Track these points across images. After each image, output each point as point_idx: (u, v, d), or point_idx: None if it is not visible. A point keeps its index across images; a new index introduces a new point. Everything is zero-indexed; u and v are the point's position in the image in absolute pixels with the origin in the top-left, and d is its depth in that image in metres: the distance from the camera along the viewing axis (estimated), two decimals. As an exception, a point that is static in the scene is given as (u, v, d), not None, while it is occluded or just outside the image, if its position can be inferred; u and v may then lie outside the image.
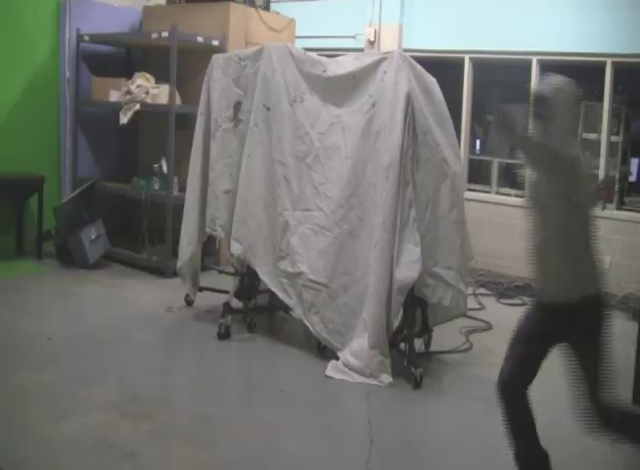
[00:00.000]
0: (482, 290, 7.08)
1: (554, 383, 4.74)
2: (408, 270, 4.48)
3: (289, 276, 4.95)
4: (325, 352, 4.83)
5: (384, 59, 4.69)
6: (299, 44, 6.44)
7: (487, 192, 8.31)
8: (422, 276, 4.56)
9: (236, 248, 5.16)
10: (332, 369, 4.61)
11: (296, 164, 4.96)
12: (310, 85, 4.96)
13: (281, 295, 5.03)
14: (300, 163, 4.94)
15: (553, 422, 4.10)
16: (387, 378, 4.48)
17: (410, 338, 4.63)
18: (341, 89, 4.85)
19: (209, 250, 6.71)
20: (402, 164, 4.49)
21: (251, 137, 5.16)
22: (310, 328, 4.84)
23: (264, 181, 5.10)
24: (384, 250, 4.50)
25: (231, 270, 5.53)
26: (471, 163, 8.34)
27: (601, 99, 7.13)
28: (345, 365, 4.58)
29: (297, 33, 7.76)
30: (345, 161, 4.73)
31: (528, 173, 3.11)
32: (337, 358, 4.67)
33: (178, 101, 6.73)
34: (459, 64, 7.92)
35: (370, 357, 4.50)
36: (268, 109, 5.10)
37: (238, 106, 5.32)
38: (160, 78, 6.89)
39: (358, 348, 4.56)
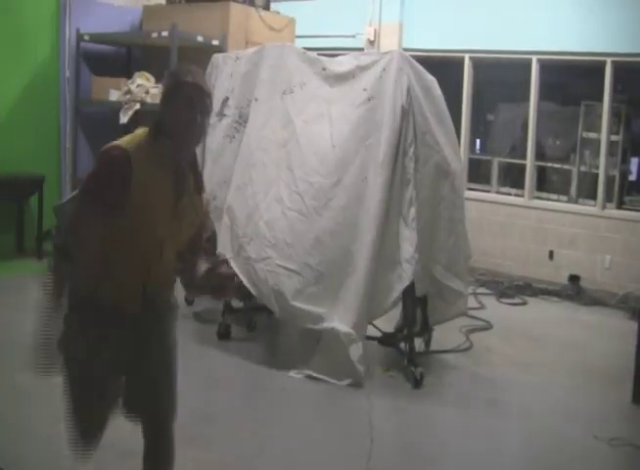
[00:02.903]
0: (483, 289, 7.08)
1: (553, 384, 4.76)
2: (407, 266, 4.45)
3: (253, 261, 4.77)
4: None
5: (383, 57, 4.69)
6: (299, 44, 6.44)
7: (487, 192, 8.32)
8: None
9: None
10: None
11: (276, 150, 4.86)
12: (305, 79, 4.90)
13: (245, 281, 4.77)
14: (281, 149, 4.84)
15: (553, 423, 4.11)
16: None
17: (410, 337, 4.63)
18: (336, 82, 4.80)
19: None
20: (399, 163, 4.49)
21: (239, 133, 5.13)
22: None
23: (240, 167, 5.00)
24: (374, 248, 4.49)
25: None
26: (471, 162, 8.34)
27: (601, 98, 7.14)
28: None
29: (298, 33, 7.75)
30: (332, 149, 4.64)
31: None
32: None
33: (178, 101, 6.72)
34: (459, 63, 7.92)
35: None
36: (257, 100, 5.09)
37: (225, 102, 5.30)
38: (160, 78, 6.88)
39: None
